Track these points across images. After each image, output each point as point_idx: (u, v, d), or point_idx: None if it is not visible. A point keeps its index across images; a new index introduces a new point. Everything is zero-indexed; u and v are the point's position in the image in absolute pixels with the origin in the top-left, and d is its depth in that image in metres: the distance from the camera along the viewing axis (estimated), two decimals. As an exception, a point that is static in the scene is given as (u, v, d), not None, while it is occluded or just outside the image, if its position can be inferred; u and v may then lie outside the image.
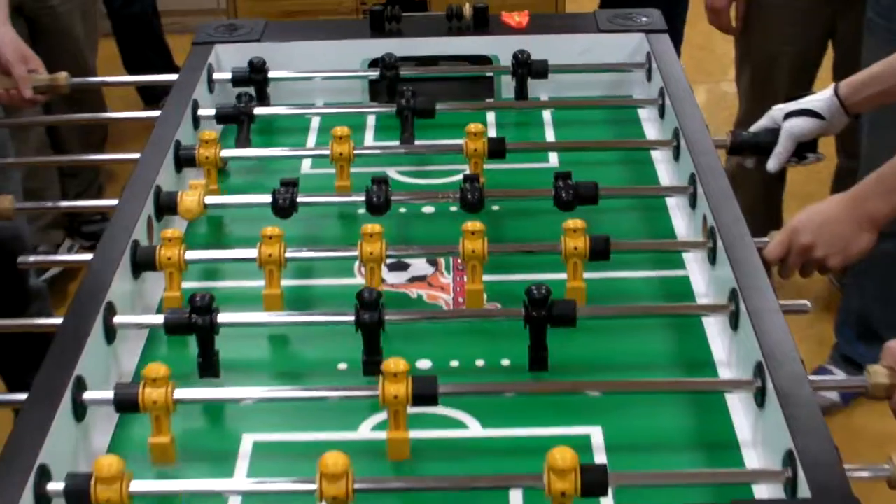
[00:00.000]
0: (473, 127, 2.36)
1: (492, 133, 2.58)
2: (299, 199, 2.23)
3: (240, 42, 2.81)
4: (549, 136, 2.63)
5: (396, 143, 2.48)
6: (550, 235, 2.06)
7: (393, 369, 1.67)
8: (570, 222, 2.01)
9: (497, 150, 2.36)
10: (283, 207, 2.21)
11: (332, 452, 1.51)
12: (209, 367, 1.87)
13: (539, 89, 2.78)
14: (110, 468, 1.54)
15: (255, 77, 2.69)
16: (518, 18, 2.83)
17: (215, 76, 2.74)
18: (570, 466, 1.49)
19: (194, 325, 1.85)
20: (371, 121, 2.69)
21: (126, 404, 1.71)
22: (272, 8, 3.54)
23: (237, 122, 2.56)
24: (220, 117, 2.59)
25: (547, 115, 2.70)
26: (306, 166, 2.54)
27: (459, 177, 2.29)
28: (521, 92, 2.70)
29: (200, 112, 2.59)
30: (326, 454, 1.51)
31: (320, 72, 2.75)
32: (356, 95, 2.79)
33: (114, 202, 2.22)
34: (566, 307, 1.86)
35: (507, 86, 2.77)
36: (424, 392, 1.69)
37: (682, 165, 2.34)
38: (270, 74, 2.71)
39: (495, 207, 2.32)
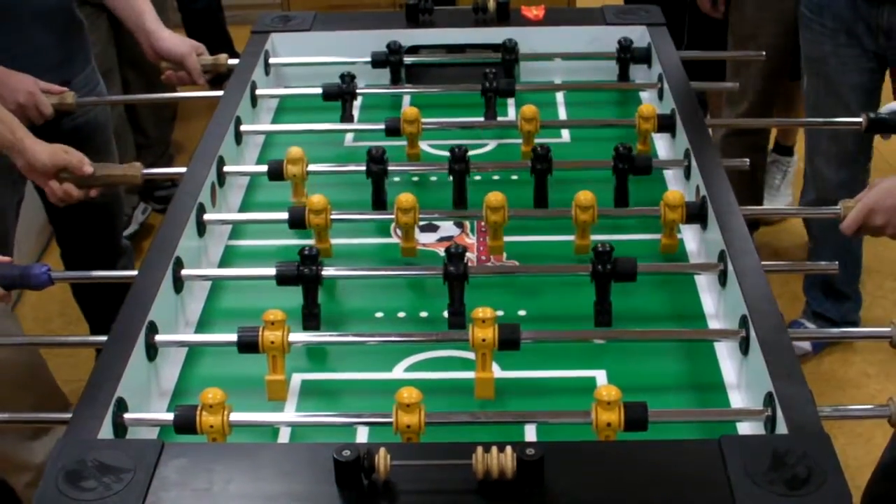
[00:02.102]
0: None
1: (512, 113, 2.56)
2: (343, 169, 2.22)
3: (292, 31, 2.79)
4: (562, 114, 2.60)
5: (429, 119, 2.44)
6: (562, 199, 2.05)
7: (481, 316, 1.66)
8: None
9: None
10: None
11: (408, 387, 1.51)
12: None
13: (552, 73, 2.76)
14: (215, 398, 1.54)
15: (392, 59, 2.68)
16: (535, 12, 2.81)
17: (271, 61, 2.72)
18: (616, 400, 1.51)
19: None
20: (407, 99, 2.66)
21: (247, 346, 1.70)
22: (321, 2, 3.52)
23: (341, 99, 2.54)
24: (327, 95, 2.55)
25: (560, 96, 2.67)
26: (349, 139, 2.53)
27: (482, 150, 2.27)
28: (624, 75, 2.69)
29: (258, 92, 2.57)
30: (402, 388, 1.51)
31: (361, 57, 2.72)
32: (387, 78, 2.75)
33: (182, 170, 2.21)
34: (628, 263, 1.85)
35: (524, 70, 2.73)
36: (509, 337, 1.68)
37: (678, 142, 2.32)
38: (319, 59, 2.72)
39: (514, 177, 2.30)
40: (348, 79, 2.54)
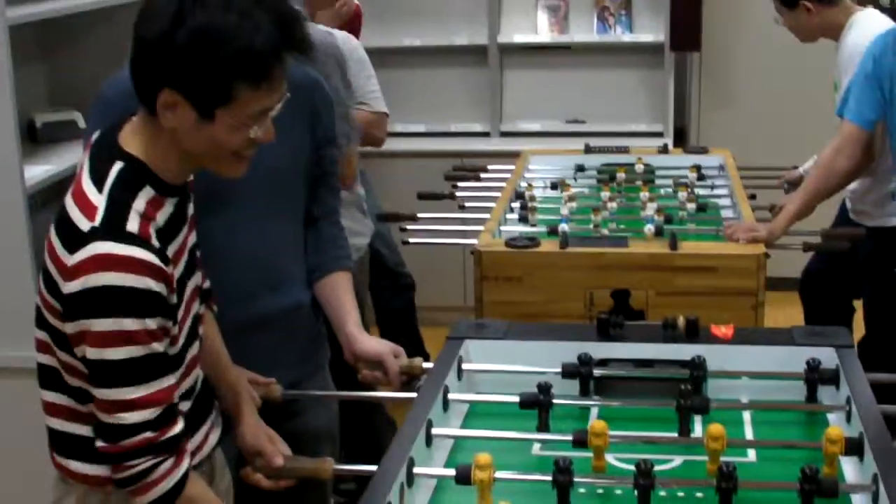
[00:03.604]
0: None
1: (699, 429, 2.60)
2: (530, 478, 2.29)
3: (486, 339, 2.91)
4: (749, 433, 2.63)
5: (616, 432, 2.49)
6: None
7: None
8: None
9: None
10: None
11: None
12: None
13: (740, 391, 2.80)
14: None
15: (583, 371, 2.76)
16: (724, 330, 2.87)
17: (464, 367, 2.83)
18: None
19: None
20: (595, 411, 2.73)
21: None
22: (514, 310, 3.65)
23: (538, 408, 2.61)
24: (524, 403, 2.63)
25: (747, 415, 2.71)
26: (537, 448, 2.59)
27: (668, 466, 2.30)
28: (812, 396, 2.74)
29: (450, 396, 2.68)
30: None
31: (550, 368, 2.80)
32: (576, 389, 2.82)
33: (373, 468, 2.30)
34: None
35: (711, 387, 2.78)
36: None
37: (866, 466, 2.32)
38: (511, 367, 2.82)
39: (699, 495, 2.33)
40: (545, 389, 2.63)
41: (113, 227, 2.10)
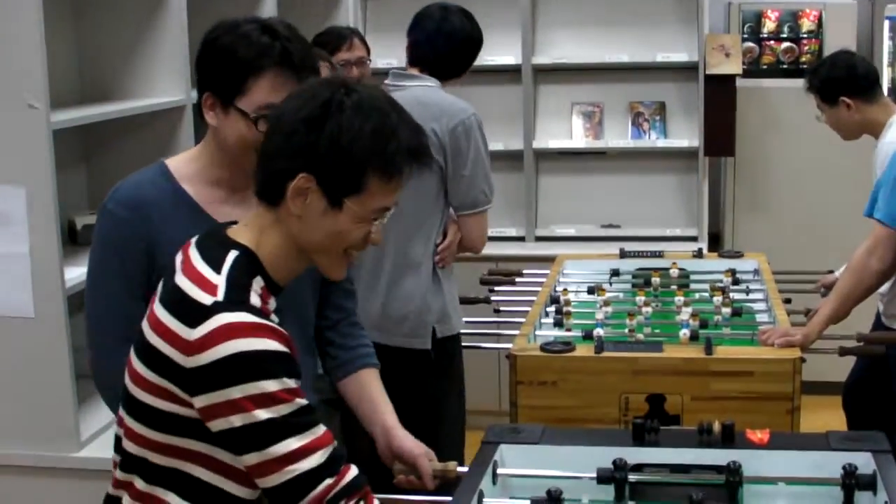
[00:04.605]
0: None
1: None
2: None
3: (521, 444, 2.92)
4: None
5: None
6: None
7: None
8: None
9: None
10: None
11: None
12: None
13: (775, 497, 2.80)
14: None
15: (617, 476, 2.75)
16: (760, 435, 2.88)
17: (499, 471, 2.84)
18: None
19: None
20: (630, 517, 2.74)
21: None
22: (548, 414, 3.66)
23: None
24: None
25: (783, 521, 2.71)
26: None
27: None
28: (849, 501, 2.70)
29: (485, 501, 2.68)
30: None
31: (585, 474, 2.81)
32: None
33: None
34: None
35: (748, 493, 2.78)
36: None
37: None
38: (545, 472, 2.83)
39: None
40: (556, 496, 2.62)
41: (236, 300, 2.16)
